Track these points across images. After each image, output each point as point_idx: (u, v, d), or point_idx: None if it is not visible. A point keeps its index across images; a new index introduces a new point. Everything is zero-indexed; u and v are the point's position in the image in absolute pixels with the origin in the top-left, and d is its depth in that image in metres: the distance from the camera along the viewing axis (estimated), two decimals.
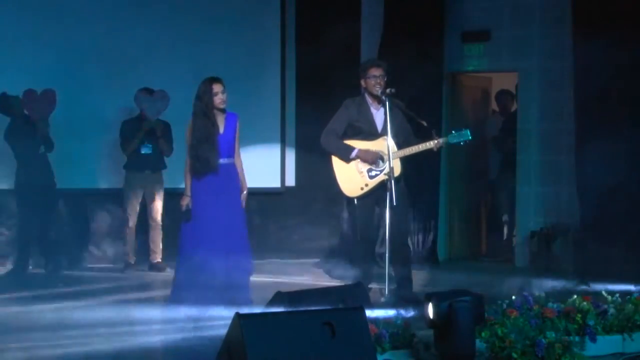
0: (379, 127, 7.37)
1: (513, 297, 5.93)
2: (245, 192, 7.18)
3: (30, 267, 8.81)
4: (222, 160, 7.06)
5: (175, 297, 7.03)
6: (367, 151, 7.32)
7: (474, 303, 5.24)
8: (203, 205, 7.02)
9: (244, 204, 7.17)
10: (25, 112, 8.74)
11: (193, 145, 7.01)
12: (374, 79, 7.33)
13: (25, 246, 8.79)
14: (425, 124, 7.35)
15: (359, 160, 7.35)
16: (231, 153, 7.12)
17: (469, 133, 7.32)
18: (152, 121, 8.97)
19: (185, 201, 7.07)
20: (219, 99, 7.01)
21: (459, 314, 5.11)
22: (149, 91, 9.03)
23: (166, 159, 9.13)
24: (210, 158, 7.00)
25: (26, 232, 8.75)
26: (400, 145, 7.31)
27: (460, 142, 7.38)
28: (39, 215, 8.72)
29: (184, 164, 7.16)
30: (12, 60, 9.07)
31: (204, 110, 6.99)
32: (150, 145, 9.01)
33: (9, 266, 8.87)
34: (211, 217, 6.99)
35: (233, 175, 7.13)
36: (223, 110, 7.09)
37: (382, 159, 7.29)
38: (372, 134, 7.37)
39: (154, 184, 9.10)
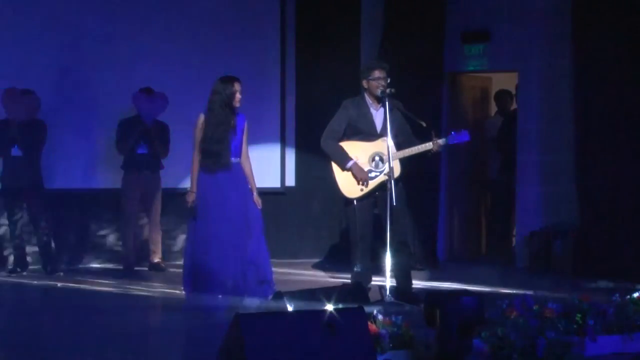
0: (379, 127, 7.37)
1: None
2: (255, 194, 7.19)
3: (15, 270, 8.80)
4: (232, 159, 7.10)
5: (188, 292, 7.05)
6: (361, 170, 7.28)
7: (474, 303, 5.24)
8: (211, 202, 7.01)
9: (259, 205, 7.19)
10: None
11: (208, 140, 7.00)
12: (378, 81, 7.32)
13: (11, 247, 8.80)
14: (424, 124, 7.34)
15: (359, 160, 7.33)
16: (238, 153, 7.16)
17: (468, 134, 7.32)
18: (147, 123, 8.94)
19: (191, 197, 7.06)
20: (237, 98, 7.09)
21: (458, 314, 5.11)
22: (148, 92, 9.02)
23: (163, 160, 9.12)
24: (226, 155, 7.03)
25: (11, 233, 8.75)
26: (400, 145, 7.30)
27: (459, 144, 7.37)
28: (23, 217, 8.72)
29: (190, 160, 7.16)
30: (8, 58, 9.06)
31: (222, 106, 7.02)
32: (146, 146, 9.00)
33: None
34: (220, 215, 6.99)
35: (241, 175, 7.17)
36: (236, 111, 7.12)
37: (382, 159, 7.29)
38: (372, 134, 7.37)
39: (153, 184, 9.09)
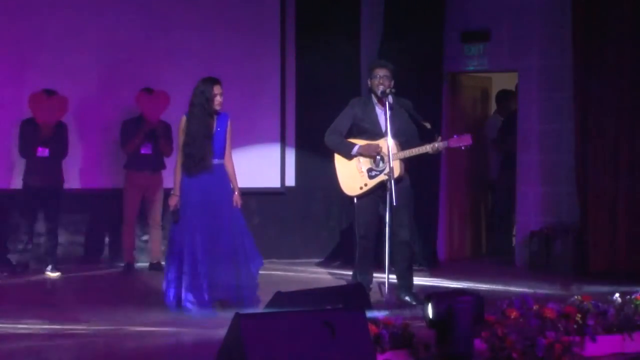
0: (384, 127, 7.36)
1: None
2: (237, 193, 7.16)
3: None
4: (213, 161, 7.06)
5: (168, 296, 7.02)
6: (368, 145, 7.32)
7: (474, 303, 5.25)
8: (193, 205, 6.98)
9: (239, 204, 7.16)
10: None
11: (188, 143, 6.99)
12: (378, 79, 7.35)
13: (29, 246, 8.85)
14: (429, 126, 7.34)
15: (360, 159, 7.35)
16: (221, 154, 7.11)
17: (470, 138, 7.31)
18: (153, 122, 8.96)
19: (174, 201, 7.04)
20: (217, 100, 7.01)
21: (459, 314, 5.11)
22: (149, 91, 9.02)
23: (165, 159, 9.13)
24: (206, 157, 6.98)
25: (29, 231, 8.78)
26: (402, 144, 7.31)
27: (461, 147, 7.37)
28: (43, 216, 8.78)
29: (175, 163, 7.15)
30: (14, 60, 9.07)
31: (202, 109, 6.98)
32: (150, 146, 9.01)
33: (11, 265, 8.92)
34: (202, 218, 6.96)
35: (223, 175, 7.11)
36: (217, 112, 7.10)
37: (382, 159, 7.29)
38: (377, 134, 7.37)
39: (154, 184, 9.10)
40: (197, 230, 6.94)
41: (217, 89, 7.00)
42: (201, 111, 6.99)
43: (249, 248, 7.08)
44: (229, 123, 7.15)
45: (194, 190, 7.00)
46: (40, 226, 8.86)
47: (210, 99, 6.97)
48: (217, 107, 7.04)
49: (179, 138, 7.11)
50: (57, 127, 8.77)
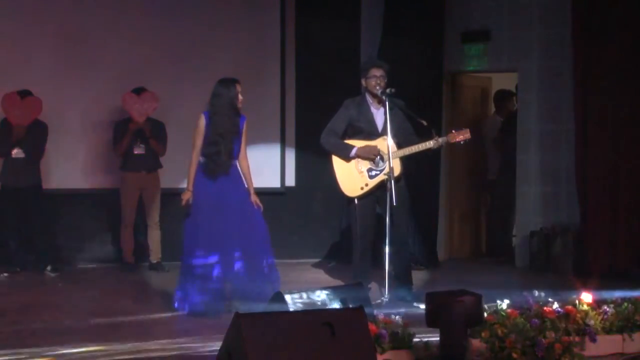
0: (379, 126, 7.38)
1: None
2: (253, 193, 7.16)
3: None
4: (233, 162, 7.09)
5: (179, 296, 7.03)
6: (366, 147, 7.33)
7: (474, 303, 5.25)
8: (209, 205, 6.98)
9: (259, 203, 7.17)
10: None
11: (211, 143, 6.97)
12: (375, 79, 7.35)
13: (9, 247, 8.86)
14: (425, 123, 7.36)
15: (359, 159, 7.36)
16: (237, 155, 7.12)
17: (468, 132, 7.34)
18: (139, 123, 8.93)
19: (187, 196, 7.03)
20: (240, 99, 7.04)
21: (457, 314, 5.11)
22: (137, 91, 8.99)
23: (162, 159, 9.12)
24: (226, 158, 6.99)
25: (9, 233, 8.79)
26: (400, 144, 7.32)
27: (460, 142, 7.39)
28: (21, 217, 8.77)
29: (189, 160, 7.11)
30: (4, 60, 9.06)
31: (227, 108, 6.99)
32: (143, 146, 9.00)
33: None
34: (217, 219, 6.97)
35: (238, 176, 7.13)
36: (239, 113, 7.10)
37: (382, 158, 7.30)
38: (372, 133, 7.39)
39: (151, 184, 9.09)
40: (212, 231, 6.94)
41: (239, 88, 7.06)
42: (226, 112, 6.98)
43: (255, 252, 7.10)
44: (244, 124, 7.16)
45: (210, 191, 7.00)
46: (30, 227, 8.84)
47: (234, 99, 7.00)
48: (240, 106, 7.07)
49: (194, 137, 7.04)
50: (32, 127, 8.72)
